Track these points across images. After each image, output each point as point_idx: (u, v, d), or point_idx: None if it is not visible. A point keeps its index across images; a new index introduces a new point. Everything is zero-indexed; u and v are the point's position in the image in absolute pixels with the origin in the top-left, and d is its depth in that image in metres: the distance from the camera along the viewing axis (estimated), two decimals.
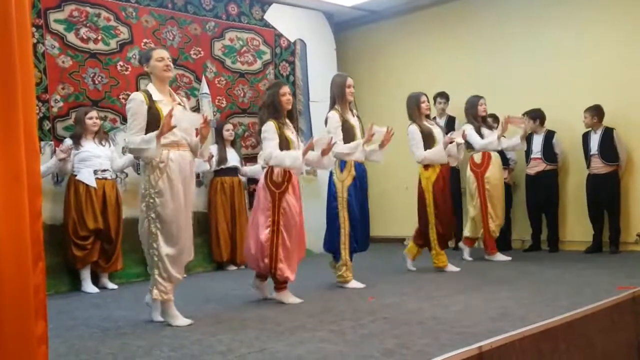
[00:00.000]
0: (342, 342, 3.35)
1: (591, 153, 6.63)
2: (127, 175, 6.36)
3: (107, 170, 5.79)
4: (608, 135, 6.55)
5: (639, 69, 6.66)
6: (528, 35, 7.44)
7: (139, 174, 6.29)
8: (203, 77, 7.15)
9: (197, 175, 6.84)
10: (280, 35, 8.04)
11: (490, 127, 6.48)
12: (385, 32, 8.83)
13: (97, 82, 6.31)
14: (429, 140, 5.76)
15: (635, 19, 6.70)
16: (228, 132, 6.81)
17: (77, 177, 5.62)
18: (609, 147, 6.59)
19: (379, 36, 8.88)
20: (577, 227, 7.04)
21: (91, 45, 6.30)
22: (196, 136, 4.05)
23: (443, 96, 7.52)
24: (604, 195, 6.51)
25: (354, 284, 5.13)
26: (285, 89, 4.70)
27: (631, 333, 4.20)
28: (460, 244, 6.71)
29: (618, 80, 6.74)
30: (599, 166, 6.60)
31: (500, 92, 6.28)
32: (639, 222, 6.75)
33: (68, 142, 5.67)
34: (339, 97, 5.21)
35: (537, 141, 6.98)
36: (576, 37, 7.09)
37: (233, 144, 6.95)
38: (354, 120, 5.24)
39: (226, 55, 7.42)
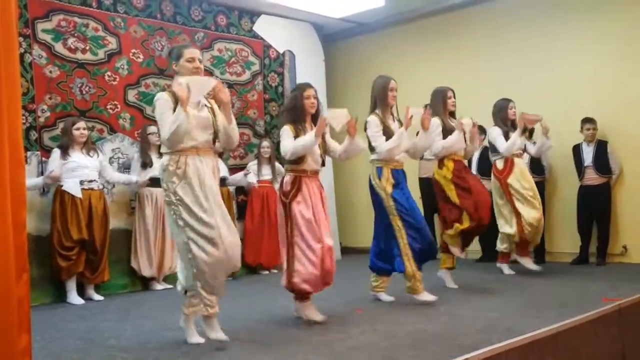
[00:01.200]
0: (330, 355, 3.35)
1: (585, 165, 6.66)
2: (114, 186, 6.33)
3: (94, 180, 5.76)
4: (602, 148, 6.61)
5: (630, 82, 6.72)
6: (516, 48, 7.50)
7: (126, 185, 6.31)
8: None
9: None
10: (269, 47, 8.06)
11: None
12: (373, 44, 8.87)
13: (84, 92, 6.28)
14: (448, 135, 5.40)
15: (629, 31, 6.76)
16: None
17: (63, 188, 5.58)
18: (603, 159, 6.64)
19: (368, 48, 8.92)
20: (564, 238, 7.07)
21: (79, 55, 6.28)
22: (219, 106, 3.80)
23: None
24: (596, 206, 6.55)
25: (425, 295, 4.75)
26: (310, 91, 4.36)
27: (616, 345, 4.22)
28: (498, 264, 6.28)
29: (608, 93, 6.79)
30: (593, 178, 6.65)
31: (487, 105, 6.29)
32: (625, 233, 6.79)
33: (57, 171, 5.52)
34: (380, 100, 4.88)
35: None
36: (567, 50, 7.14)
37: (221, 154, 6.94)
38: (394, 126, 4.87)
39: (215, 65, 7.43)
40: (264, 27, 8.01)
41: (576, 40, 7.10)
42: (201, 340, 3.73)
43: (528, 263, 6.08)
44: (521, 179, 5.98)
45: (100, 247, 5.72)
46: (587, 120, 6.66)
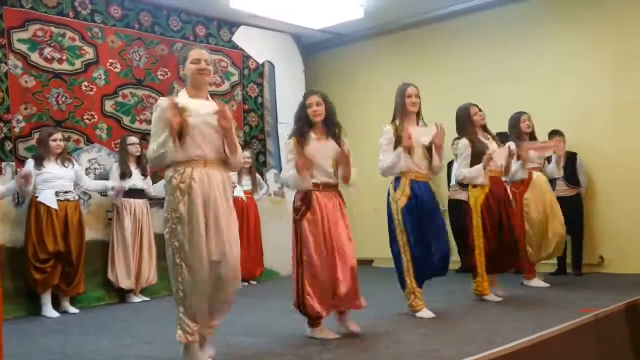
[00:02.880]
0: None
1: (556, 177, 6.72)
2: (90, 197, 6.26)
3: (70, 191, 5.69)
4: (572, 160, 6.67)
5: (598, 94, 6.86)
6: (491, 61, 7.61)
7: (102, 195, 6.25)
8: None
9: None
10: (248, 57, 8.05)
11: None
12: (352, 55, 8.91)
13: (60, 102, 6.22)
14: (480, 157, 5.20)
15: (595, 47, 6.93)
16: None
17: (38, 199, 5.50)
18: (572, 171, 6.72)
19: (347, 59, 8.96)
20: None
21: (55, 65, 6.22)
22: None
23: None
24: (569, 217, 6.57)
25: (424, 312, 4.60)
26: (312, 98, 4.11)
27: (593, 355, 4.25)
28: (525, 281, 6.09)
29: (577, 106, 6.90)
30: (563, 189, 6.69)
31: None
32: (601, 244, 6.87)
33: (28, 167, 5.43)
34: (399, 108, 4.69)
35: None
36: (537, 63, 7.29)
37: None
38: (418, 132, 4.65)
39: None
40: (243, 38, 8.01)
41: (544, 54, 7.26)
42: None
43: (536, 283, 5.96)
44: (541, 193, 5.89)
45: (76, 258, 5.64)
46: (555, 133, 6.71)
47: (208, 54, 3.48)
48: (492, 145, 5.34)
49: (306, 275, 3.94)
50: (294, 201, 4.09)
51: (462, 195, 6.25)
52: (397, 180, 4.65)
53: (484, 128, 5.45)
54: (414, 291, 4.62)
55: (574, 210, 6.69)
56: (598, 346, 4.33)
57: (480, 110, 5.44)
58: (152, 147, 3.30)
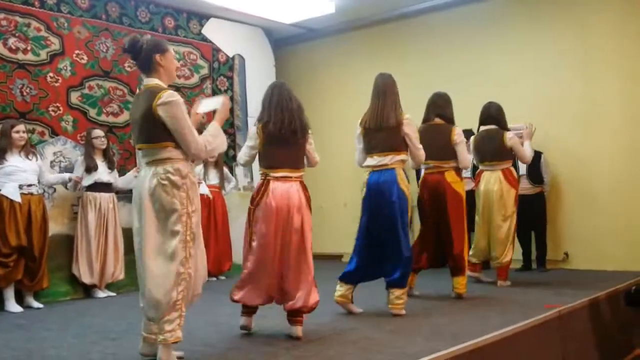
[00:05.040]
0: None
1: (520, 174, 6.75)
2: (55, 190, 6.15)
3: (33, 185, 5.57)
4: (536, 158, 6.72)
5: (564, 93, 6.97)
6: (461, 60, 7.68)
7: (67, 188, 6.13)
8: (137, 90, 7.00)
9: (131, 190, 6.68)
10: (218, 50, 7.98)
11: None
12: (323, 50, 8.91)
13: (25, 93, 6.09)
14: None
15: (562, 46, 7.04)
16: None
17: (1, 192, 5.37)
18: (536, 170, 6.80)
19: (318, 54, 8.95)
20: None
21: (20, 56, 6.08)
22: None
23: None
24: (532, 215, 6.65)
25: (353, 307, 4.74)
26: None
27: (557, 351, 4.31)
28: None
29: (543, 104, 6.99)
30: (526, 187, 6.74)
31: None
32: (566, 241, 6.98)
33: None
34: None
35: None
36: (502, 61, 7.39)
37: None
38: None
39: None
40: (213, 31, 7.93)
41: (510, 52, 7.36)
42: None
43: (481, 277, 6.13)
44: (486, 190, 5.94)
45: (39, 253, 5.53)
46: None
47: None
48: None
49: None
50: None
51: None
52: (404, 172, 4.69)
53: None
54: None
55: (537, 208, 6.77)
56: (562, 342, 4.40)
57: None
58: (221, 140, 3.49)
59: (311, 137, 4.17)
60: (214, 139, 3.46)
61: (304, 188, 4.07)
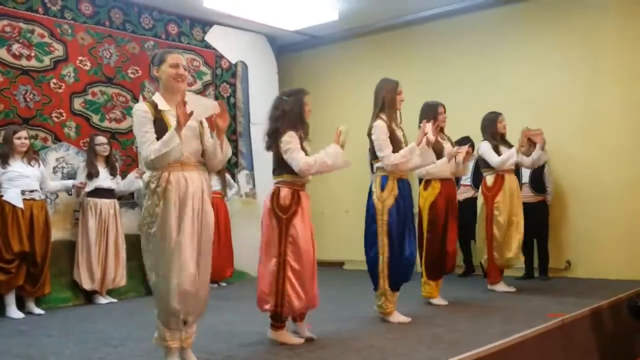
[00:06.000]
0: None
1: (522, 182, 6.72)
2: (57, 196, 6.15)
3: (36, 190, 5.58)
4: (540, 167, 6.70)
5: (567, 102, 6.95)
6: (464, 66, 7.67)
7: (69, 194, 6.15)
8: (140, 96, 7.02)
9: (132, 195, 6.70)
10: (221, 57, 8.00)
11: (510, 146, 6.02)
12: (326, 57, 8.91)
13: (28, 99, 6.10)
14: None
15: (565, 53, 7.03)
16: None
17: (4, 198, 5.38)
18: (539, 178, 6.78)
19: (321, 61, 8.96)
20: None
21: (24, 62, 6.10)
22: (212, 130, 3.48)
23: None
24: (533, 223, 6.60)
25: (396, 317, 4.58)
26: (309, 98, 4.09)
27: (559, 359, 4.30)
28: (489, 286, 6.08)
29: (547, 113, 6.97)
30: (528, 195, 6.70)
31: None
32: (568, 249, 6.96)
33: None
34: (388, 105, 4.64)
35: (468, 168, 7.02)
36: (508, 70, 7.37)
37: None
38: (399, 132, 4.66)
39: None
40: (216, 38, 7.95)
41: (515, 61, 7.34)
42: None
43: (502, 287, 5.97)
44: (511, 197, 5.93)
45: (41, 259, 5.53)
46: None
47: (185, 60, 3.50)
48: (447, 146, 5.37)
49: (288, 276, 3.87)
50: (274, 200, 3.96)
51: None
52: (384, 179, 4.57)
53: (442, 130, 5.45)
54: (385, 293, 4.56)
55: (539, 216, 6.74)
56: (564, 351, 4.38)
57: (444, 111, 5.47)
58: (154, 148, 3.21)
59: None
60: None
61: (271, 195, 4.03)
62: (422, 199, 5.37)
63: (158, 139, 3.24)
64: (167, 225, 3.24)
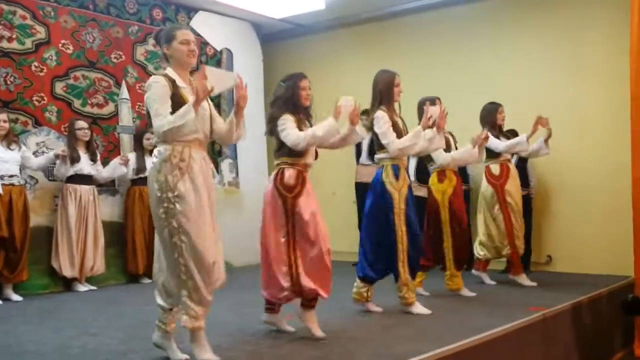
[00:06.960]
0: None
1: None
2: (37, 181, 6.06)
3: (15, 175, 5.48)
4: (522, 162, 6.72)
5: (549, 96, 6.96)
6: (449, 59, 7.65)
7: (50, 179, 6.05)
8: (123, 82, 6.92)
9: (113, 183, 6.63)
10: (206, 44, 7.91)
11: (508, 138, 5.97)
12: (312, 46, 8.86)
13: (9, 82, 5.99)
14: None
15: (547, 47, 7.06)
16: (148, 140, 6.52)
17: None
18: (523, 173, 6.79)
19: (306, 50, 8.89)
20: None
21: (4, 44, 5.98)
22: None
23: (365, 113, 7.52)
24: None
25: (418, 308, 4.56)
26: (306, 82, 4.10)
27: (539, 354, 4.32)
28: (475, 271, 6.10)
29: (528, 107, 6.96)
30: None
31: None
32: (550, 243, 7.01)
33: None
34: (385, 96, 4.67)
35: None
36: (492, 64, 7.37)
37: (152, 152, 6.74)
38: (400, 123, 4.69)
39: (148, 60, 7.22)
40: (201, 24, 7.86)
41: (504, 54, 7.34)
42: (185, 356, 3.35)
43: (524, 280, 5.90)
44: (515, 184, 5.92)
45: (20, 245, 5.46)
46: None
47: (193, 36, 3.52)
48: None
49: (299, 255, 3.84)
50: (278, 180, 3.91)
51: (421, 192, 6.20)
52: (396, 168, 4.59)
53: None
54: (407, 283, 4.53)
55: (523, 210, 6.75)
56: (545, 344, 4.41)
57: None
58: (164, 120, 3.18)
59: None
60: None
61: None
62: (439, 192, 5.34)
63: (172, 114, 3.21)
64: (192, 200, 3.20)
